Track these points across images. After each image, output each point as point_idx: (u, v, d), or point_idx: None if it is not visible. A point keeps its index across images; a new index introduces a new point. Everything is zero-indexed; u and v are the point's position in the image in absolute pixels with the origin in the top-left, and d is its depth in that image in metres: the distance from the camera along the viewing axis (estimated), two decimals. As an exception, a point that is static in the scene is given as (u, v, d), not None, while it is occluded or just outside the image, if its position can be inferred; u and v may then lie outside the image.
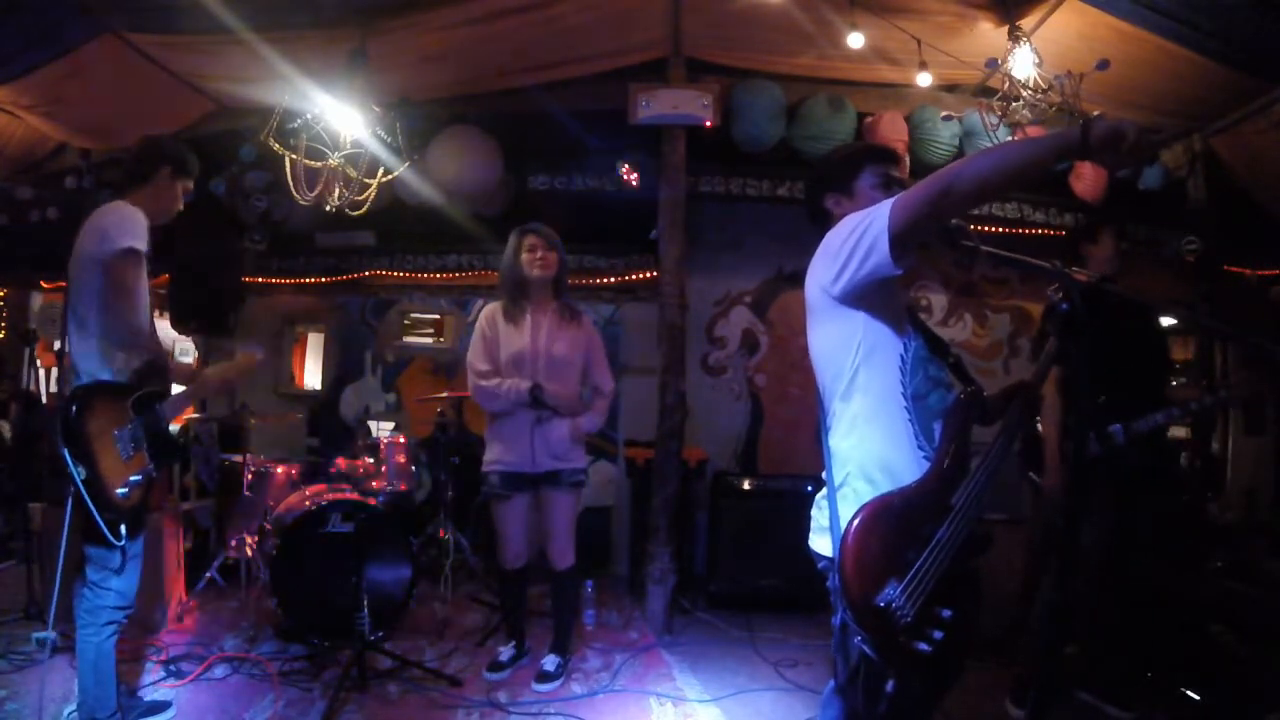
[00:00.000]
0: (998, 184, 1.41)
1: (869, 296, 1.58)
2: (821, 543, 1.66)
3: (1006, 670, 2.91)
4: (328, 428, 5.05)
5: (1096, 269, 2.69)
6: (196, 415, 4.89)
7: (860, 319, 1.61)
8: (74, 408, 2.18)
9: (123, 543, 2.24)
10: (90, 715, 2.29)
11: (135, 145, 2.60)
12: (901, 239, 1.46)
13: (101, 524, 2.17)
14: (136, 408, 2.35)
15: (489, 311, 3.16)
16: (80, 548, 2.31)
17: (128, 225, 2.30)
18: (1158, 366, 2.95)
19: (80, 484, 2.14)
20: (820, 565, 1.67)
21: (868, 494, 1.57)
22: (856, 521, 1.49)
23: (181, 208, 2.59)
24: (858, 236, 1.52)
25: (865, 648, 1.48)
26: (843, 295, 1.59)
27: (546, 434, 3.04)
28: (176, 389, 2.58)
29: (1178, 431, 5.38)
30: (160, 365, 2.48)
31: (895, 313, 1.64)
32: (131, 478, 2.27)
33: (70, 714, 2.44)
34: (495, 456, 3.09)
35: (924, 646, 1.44)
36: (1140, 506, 2.80)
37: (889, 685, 1.48)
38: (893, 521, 1.50)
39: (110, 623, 2.29)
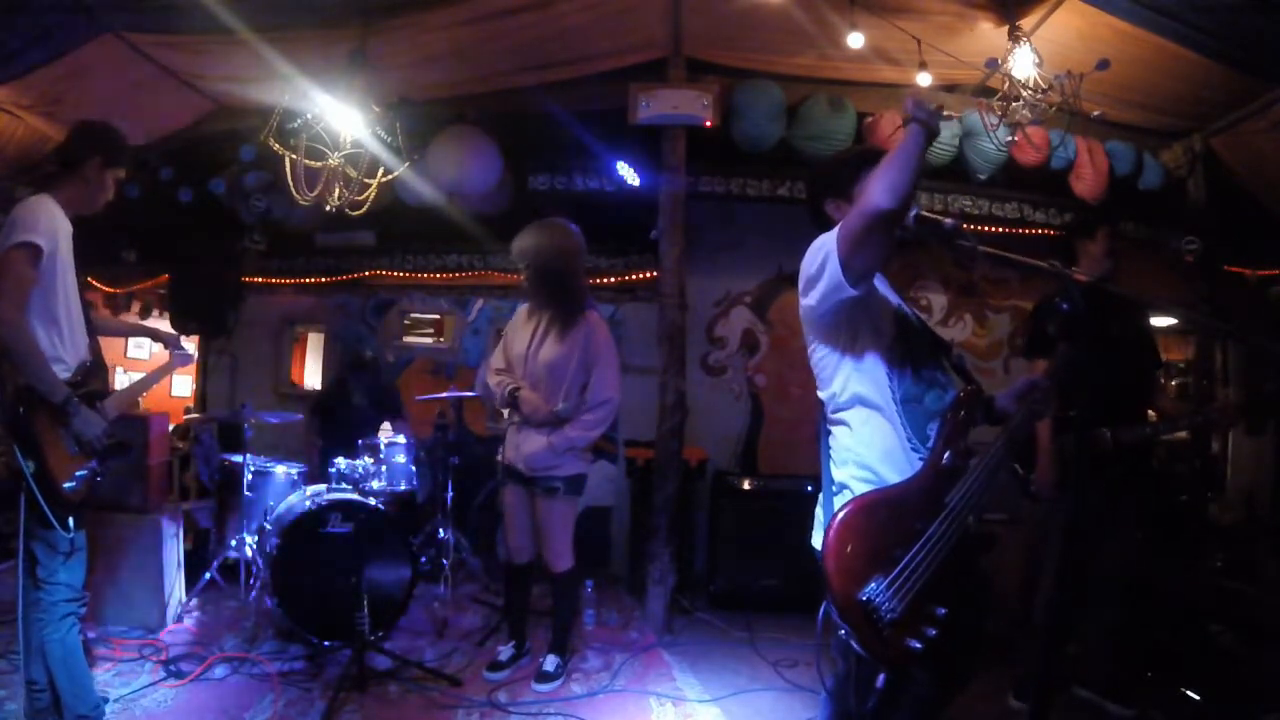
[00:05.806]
0: (906, 180, 1.48)
1: (847, 310, 1.62)
2: (821, 539, 1.67)
3: (1007, 669, 2.91)
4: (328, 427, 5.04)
5: (1091, 267, 2.67)
6: (197, 415, 4.89)
7: (843, 330, 1.67)
8: (20, 408, 2.23)
9: (71, 534, 2.28)
10: (75, 715, 2.28)
11: (68, 130, 2.54)
12: (851, 265, 1.52)
13: (51, 516, 2.22)
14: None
15: (520, 310, 3.26)
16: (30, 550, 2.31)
17: (29, 220, 2.25)
18: (1147, 368, 2.91)
19: (30, 477, 2.20)
20: None
21: (862, 493, 1.58)
22: (840, 516, 1.52)
23: (111, 197, 2.54)
24: (819, 263, 1.59)
25: (851, 642, 1.48)
26: (822, 313, 1.65)
27: (520, 440, 3.08)
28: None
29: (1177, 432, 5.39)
30: (99, 364, 2.49)
31: (877, 320, 1.69)
32: (78, 472, 2.31)
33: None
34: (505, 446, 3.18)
35: (915, 644, 1.45)
36: (1126, 507, 2.80)
37: (879, 681, 1.49)
38: (879, 518, 1.52)
39: (67, 615, 2.29)
